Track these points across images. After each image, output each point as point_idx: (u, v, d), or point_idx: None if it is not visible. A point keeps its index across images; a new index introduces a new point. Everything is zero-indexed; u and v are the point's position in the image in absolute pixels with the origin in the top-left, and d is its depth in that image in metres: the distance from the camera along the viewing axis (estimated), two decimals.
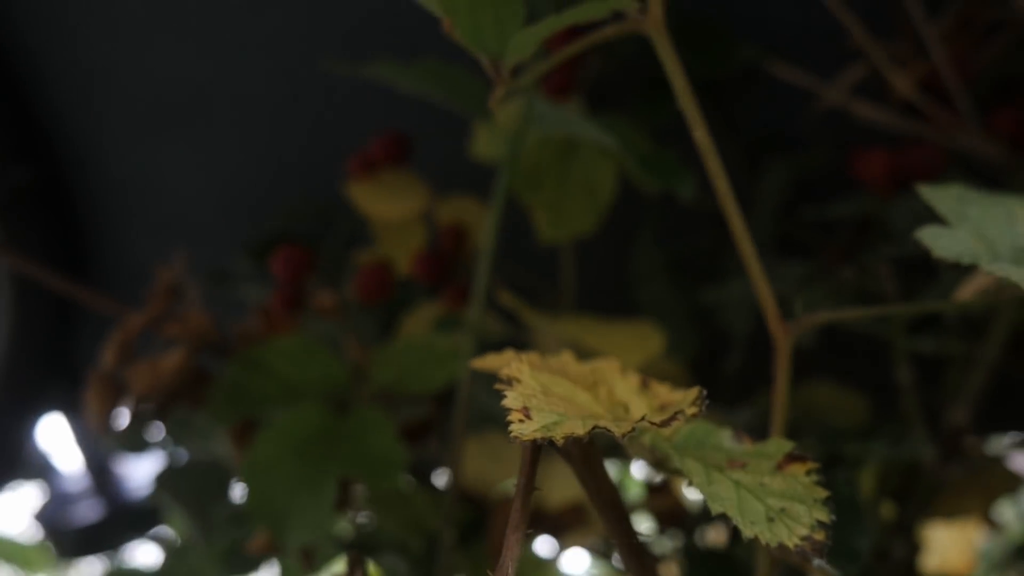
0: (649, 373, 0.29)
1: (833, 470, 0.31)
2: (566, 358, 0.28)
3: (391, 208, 0.49)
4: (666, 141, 0.49)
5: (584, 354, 0.29)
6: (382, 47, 0.60)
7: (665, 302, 0.61)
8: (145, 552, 0.80)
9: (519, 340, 0.54)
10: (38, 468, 0.82)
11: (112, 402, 0.41)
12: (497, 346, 0.57)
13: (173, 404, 0.42)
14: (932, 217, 0.45)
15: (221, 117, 0.67)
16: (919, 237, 0.27)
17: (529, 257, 0.57)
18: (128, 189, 0.72)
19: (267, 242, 0.62)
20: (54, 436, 0.81)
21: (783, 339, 0.29)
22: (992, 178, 0.47)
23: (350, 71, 0.46)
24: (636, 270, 0.61)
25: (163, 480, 0.51)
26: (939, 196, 0.29)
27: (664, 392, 0.27)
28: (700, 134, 0.29)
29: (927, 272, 0.49)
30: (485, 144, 0.51)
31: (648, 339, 0.45)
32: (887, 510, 0.52)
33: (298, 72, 0.64)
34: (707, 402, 0.25)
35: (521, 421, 0.23)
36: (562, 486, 0.49)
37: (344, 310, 0.47)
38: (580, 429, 0.23)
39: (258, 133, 0.67)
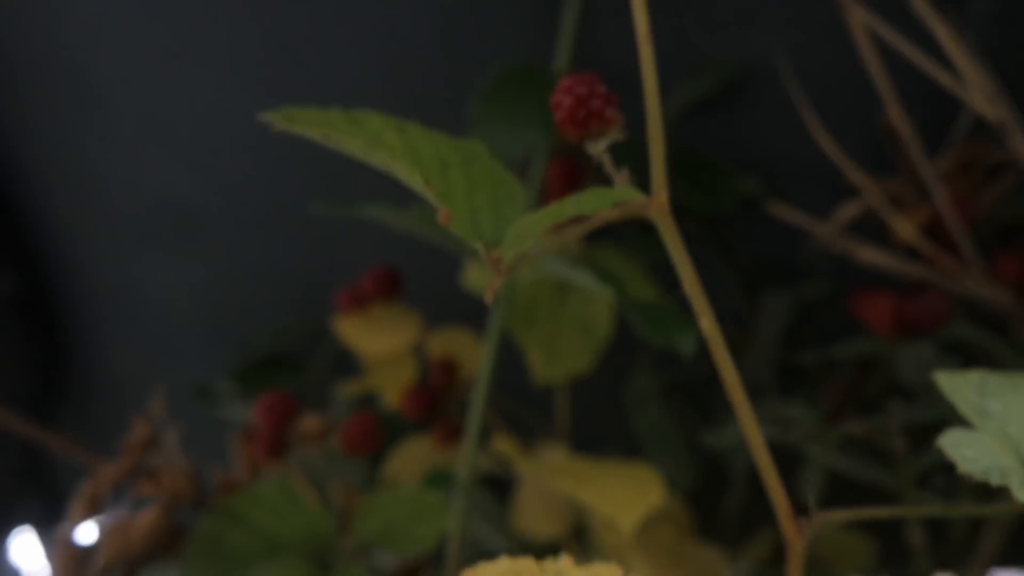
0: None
1: None
2: (565, 563, 0.26)
3: (381, 344, 0.48)
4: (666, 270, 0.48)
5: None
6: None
7: (663, 431, 0.59)
8: None
9: (511, 479, 0.52)
10: None
11: (78, 570, 0.38)
12: (489, 482, 0.55)
13: (145, 565, 0.39)
14: (940, 363, 0.43)
15: (210, 233, 0.65)
16: (941, 445, 0.25)
17: (521, 386, 0.55)
18: (113, 300, 0.70)
19: (253, 366, 0.60)
20: (26, 552, 0.78)
21: (796, 540, 0.27)
22: (998, 324, 0.46)
23: (343, 214, 0.45)
24: (633, 397, 0.59)
25: None
26: (959, 388, 0.28)
27: None
28: (706, 323, 0.27)
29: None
30: (477, 276, 0.50)
31: (648, 489, 0.43)
32: None
33: (291, 193, 0.63)
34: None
35: None
36: None
37: (330, 453, 0.45)
38: None
39: (247, 249, 0.66)
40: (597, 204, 0.26)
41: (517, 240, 0.26)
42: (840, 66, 0.50)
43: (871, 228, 0.50)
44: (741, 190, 0.51)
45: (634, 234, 0.53)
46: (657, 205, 0.27)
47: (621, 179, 0.28)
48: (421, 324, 0.50)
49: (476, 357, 0.51)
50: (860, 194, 0.49)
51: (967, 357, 0.45)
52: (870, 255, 0.44)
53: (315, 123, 0.27)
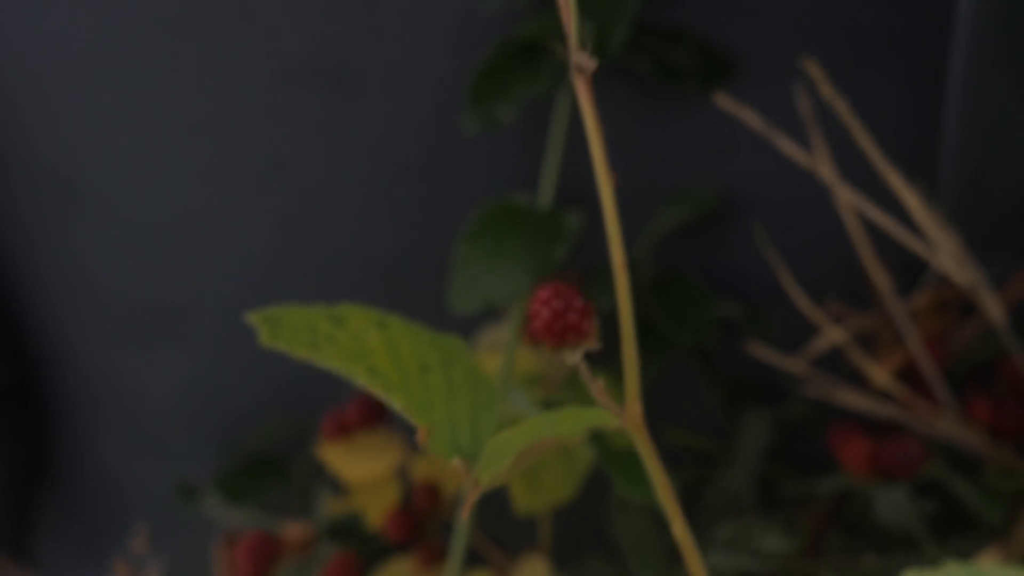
0: None
1: None
2: None
3: (364, 470, 0.48)
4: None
5: None
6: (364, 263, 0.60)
7: (643, 539, 0.59)
8: None
9: None
10: None
11: None
12: None
13: None
14: (913, 505, 0.44)
15: (196, 332, 0.66)
16: None
17: (503, 500, 0.56)
18: (100, 396, 0.70)
19: (237, 472, 0.60)
20: None
21: None
22: (972, 466, 0.47)
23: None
24: (614, 507, 0.60)
25: None
26: None
27: None
28: (679, 529, 0.28)
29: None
30: None
31: None
32: None
33: (276, 294, 0.63)
34: None
35: None
36: None
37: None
38: None
39: (232, 348, 0.66)
40: (572, 427, 0.27)
41: (493, 461, 0.27)
42: (818, 198, 0.51)
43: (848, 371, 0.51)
44: (721, 317, 0.52)
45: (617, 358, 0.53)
46: (631, 419, 0.28)
47: (598, 390, 0.28)
48: (405, 447, 0.51)
49: (459, 480, 0.51)
50: (834, 328, 0.50)
51: (942, 498, 0.46)
52: (846, 397, 0.45)
53: (299, 332, 0.28)
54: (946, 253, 0.37)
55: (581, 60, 0.27)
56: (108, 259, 0.66)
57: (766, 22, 0.50)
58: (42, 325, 0.70)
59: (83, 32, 0.57)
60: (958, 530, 0.49)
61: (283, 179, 0.59)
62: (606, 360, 0.55)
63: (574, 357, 0.29)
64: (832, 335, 0.48)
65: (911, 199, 0.37)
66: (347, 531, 0.51)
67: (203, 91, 0.57)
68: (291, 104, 0.57)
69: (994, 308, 0.41)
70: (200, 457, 0.68)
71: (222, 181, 0.60)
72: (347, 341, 0.28)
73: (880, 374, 0.44)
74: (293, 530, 0.55)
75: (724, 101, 0.41)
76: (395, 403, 0.27)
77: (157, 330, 0.67)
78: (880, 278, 0.44)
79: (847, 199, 0.38)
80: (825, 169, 0.39)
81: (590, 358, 0.28)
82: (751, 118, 0.41)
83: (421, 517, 0.51)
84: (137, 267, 0.65)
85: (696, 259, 0.56)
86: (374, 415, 0.49)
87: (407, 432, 0.53)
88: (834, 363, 0.52)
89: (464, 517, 0.26)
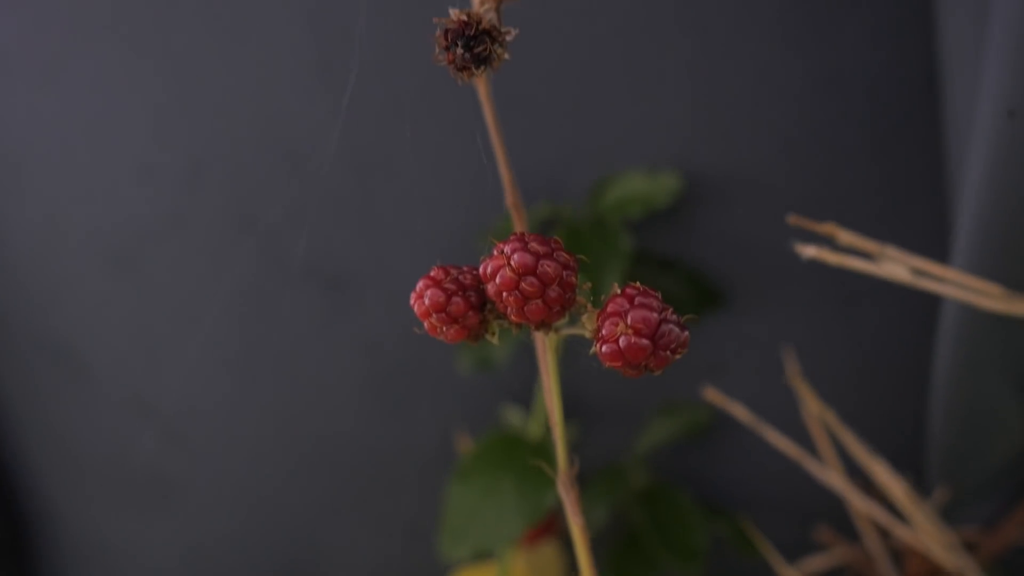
0: None
1: None
2: None
3: None
4: None
5: None
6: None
7: None
8: None
9: None
10: None
11: None
12: None
13: None
14: None
15: (190, 501, 0.66)
16: None
17: None
18: (94, 558, 0.70)
19: None
20: None
21: None
22: None
23: None
24: None
25: None
26: None
27: None
28: None
29: None
30: None
31: None
32: None
33: (271, 473, 0.64)
34: None
35: None
36: None
37: None
38: None
39: (225, 518, 0.67)
40: None
41: None
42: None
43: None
44: (713, 537, 0.52)
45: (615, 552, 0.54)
46: None
47: None
48: None
49: None
50: (827, 550, 0.51)
51: None
52: None
53: None
54: (934, 541, 0.38)
55: (515, 203, 0.26)
56: (105, 428, 0.66)
57: (753, 255, 0.51)
58: (36, 486, 0.70)
59: (92, 225, 0.58)
60: None
61: (279, 370, 0.60)
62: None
63: None
64: (817, 563, 0.49)
65: (897, 490, 0.38)
66: None
67: (203, 287, 0.58)
68: (289, 304, 0.57)
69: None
70: None
71: (220, 368, 0.61)
72: None
73: None
74: None
75: (713, 395, 0.42)
76: None
77: (151, 499, 0.67)
78: (866, 526, 0.44)
79: (861, 508, 0.39)
80: (829, 473, 0.40)
81: None
82: (739, 411, 0.42)
83: None
84: (134, 438, 0.66)
85: (689, 469, 0.56)
86: None
87: None
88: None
89: None
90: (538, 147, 0.51)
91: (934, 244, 0.50)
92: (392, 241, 0.55)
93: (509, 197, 0.27)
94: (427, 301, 0.21)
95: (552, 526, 0.53)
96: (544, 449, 0.48)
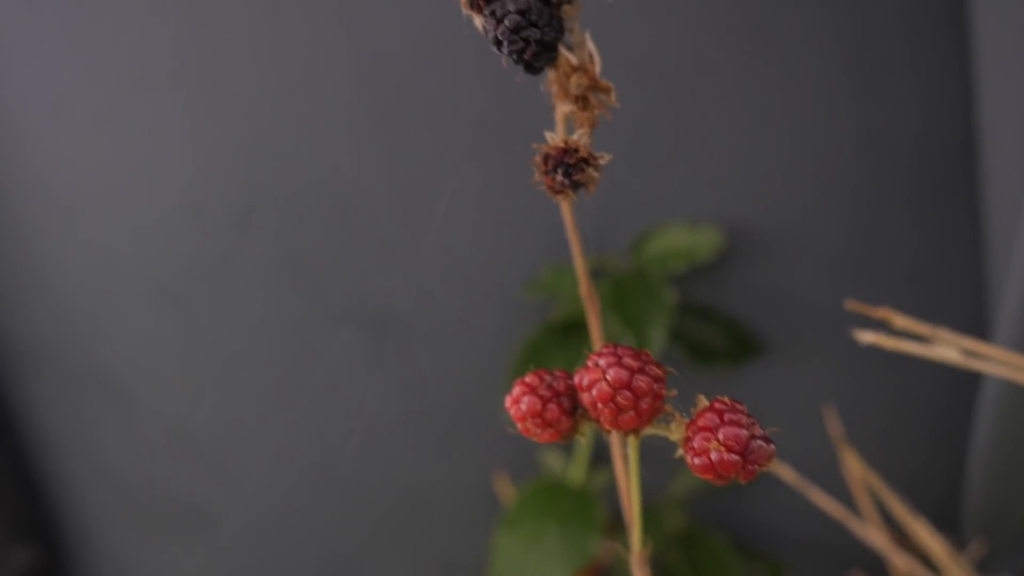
0: None
1: None
2: None
3: None
4: None
5: None
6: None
7: None
8: None
9: None
10: None
11: None
12: None
13: None
14: None
15: (229, 533, 0.68)
16: None
17: None
18: None
19: None
20: None
21: None
22: None
23: None
24: None
25: None
26: None
27: None
28: None
29: None
30: None
31: None
32: None
33: (308, 509, 0.65)
34: None
35: None
36: None
37: None
38: None
39: (258, 553, 0.68)
40: None
41: None
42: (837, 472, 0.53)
43: None
44: None
45: None
46: None
47: None
48: None
49: None
50: None
51: None
52: None
53: None
54: None
55: (589, 292, 0.27)
56: (144, 455, 0.67)
57: (792, 308, 0.52)
58: (75, 511, 0.71)
59: (141, 261, 0.60)
60: None
61: (321, 407, 0.61)
62: None
63: None
64: None
65: (938, 548, 0.39)
66: None
67: (249, 325, 0.60)
68: (333, 343, 0.59)
69: None
70: None
71: (263, 403, 0.62)
72: None
73: None
74: None
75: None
76: None
77: (186, 527, 0.69)
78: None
79: (879, 540, 0.40)
80: (871, 531, 0.41)
81: None
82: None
83: None
84: (171, 466, 0.67)
85: (725, 512, 0.58)
86: None
87: None
88: None
89: None
90: (582, 199, 0.52)
91: (969, 300, 0.51)
92: (436, 284, 0.56)
93: (583, 287, 0.29)
94: (524, 407, 0.22)
95: (597, 572, 0.54)
96: (585, 496, 0.50)
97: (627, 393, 0.21)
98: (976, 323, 0.50)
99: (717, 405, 0.21)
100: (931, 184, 0.48)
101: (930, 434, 0.54)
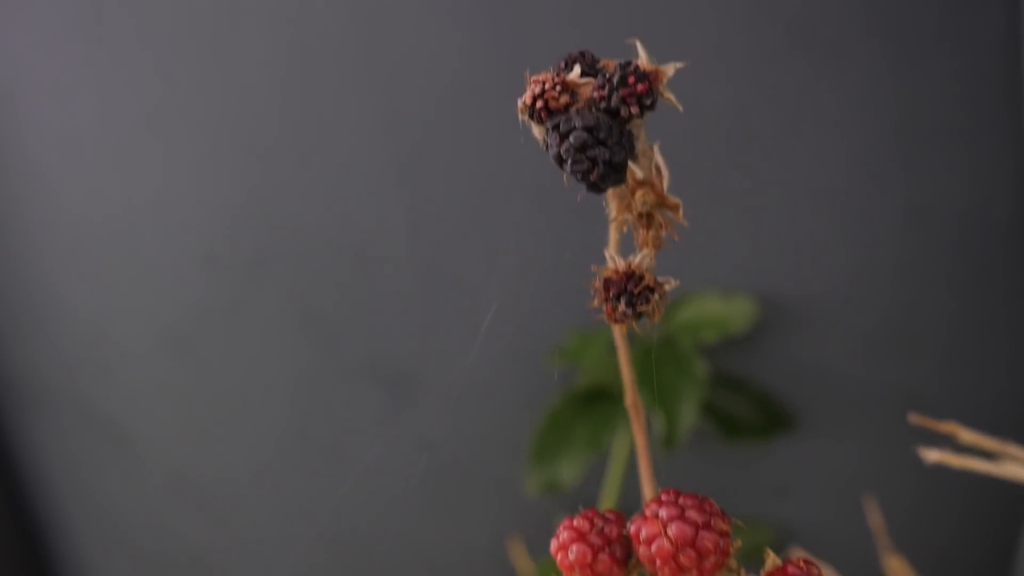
0: None
1: None
2: None
3: None
4: None
5: None
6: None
7: None
8: None
9: None
10: None
11: None
12: None
13: None
14: None
15: None
16: None
17: None
18: None
19: None
20: None
21: None
22: None
23: None
24: None
25: None
26: None
27: None
28: None
29: None
30: None
31: None
32: None
33: (313, 560, 0.63)
34: None
35: None
36: None
37: None
38: None
39: None
40: None
41: None
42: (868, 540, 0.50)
43: None
44: None
45: None
46: None
47: None
48: None
49: None
50: None
51: None
52: None
53: None
54: None
55: (635, 402, 0.26)
56: (146, 502, 0.65)
57: (825, 380, 0.50)
58: (72, 555, 0.69)
59: (149, 305, 0.58)
60: None
61: (331, 462, 0.59)
62: None
63: None
64: None
65: None
66: None
67: (258, 375, 0.58)
68: (346, 399, 0.57)
69: None
70: None
71: (270, 455, 0.60)
72: None
73: None
74: None
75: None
76: None
77: (187, 575, 0.66)
78: None
79: None
80: None
81: None
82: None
83: None
84: (174, 514, 0.65)
85: None
86: None
87: None
88: None
89: None
90: None
91: (1015, 384, 0.49)
92: (454, 343, 0.54)
93: (629, 397, 0.26)
94: (572, 556, 0.20)
95: None
96: None
97: (690, 552, 0.19)
98: (1021, 409, 0.48)
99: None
100: (978, 263, 0.46)
101: (970, 515, 0.52)
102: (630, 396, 0.26)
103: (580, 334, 0.50)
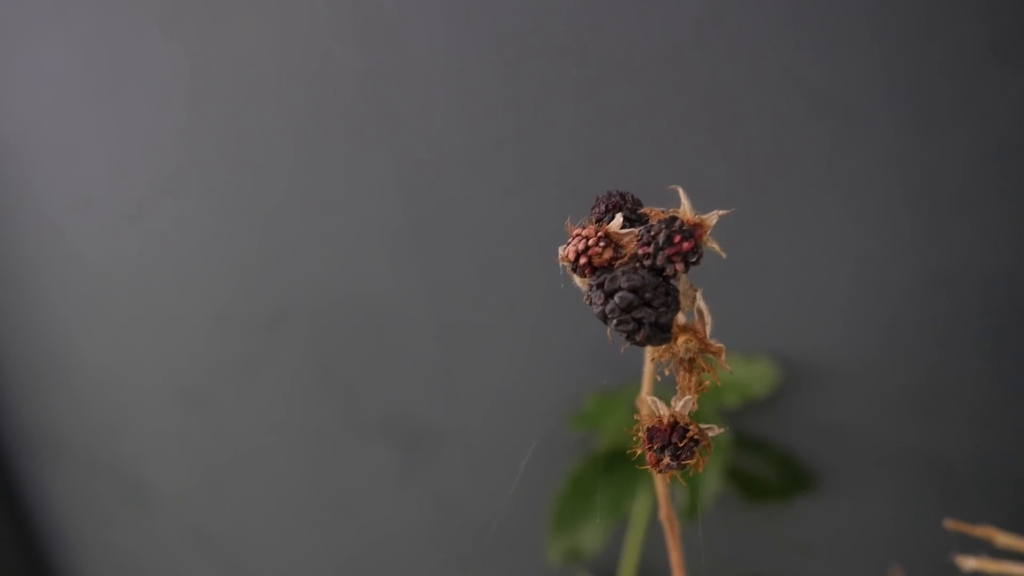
0: None
1: None
2: None
3: None
4: None
5: None
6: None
7: None
8: None
9: None
10: None
11: None
12: None
13: None
14: None
15: None
16: None
17: None
18: None
19: None
20: None
21: None
22: None
23: None
24: None
25: None
26: None
27: None
28: None
29: None
30: None
31: None
32: None
33: None
34: None
35: None
36: None
37: None
38: None
39: None
40: None
41: None
42: None
43: None
44: None
45: None
46: None
47: None
48: None
49: None
50: None
51: None
52: None
53: None
54: None
55: (669, 515, 0.26)
56: (161, 554, 0.65)
57: (846, 441, 0.50)
58: None
59: (166, 359, 0.58)
60: None
61: (346, 518, 0.59)
62: None
63: None
64: None
65: None
66: None
67: (275, 430, 0.58)
68: (362, 455, 0.57)
69: None
70: None
71: (284, 508, 0.60)
72: None
73: None
74: None
75: None
76: None
77: None
78: None
79: None
80: None
81: None
82: None
83: None
84: (188, 566, 0.65)
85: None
86: None
87: None
88: None
89: None
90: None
91: None
92: (472, 402, 0.54)
93: (664, 510, 0.26)
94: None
95: None
96: None
97: None
98: None
99: None
100: (1001, 327, 0.46)
101: None
102: (664, 510, 0.26)
103: (600, 396, 0.49)
